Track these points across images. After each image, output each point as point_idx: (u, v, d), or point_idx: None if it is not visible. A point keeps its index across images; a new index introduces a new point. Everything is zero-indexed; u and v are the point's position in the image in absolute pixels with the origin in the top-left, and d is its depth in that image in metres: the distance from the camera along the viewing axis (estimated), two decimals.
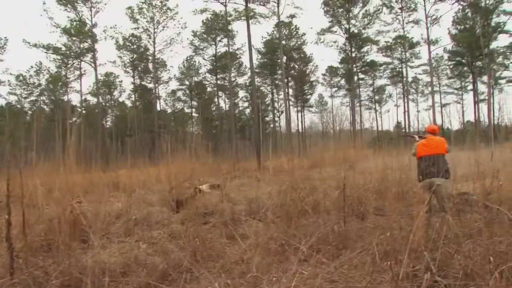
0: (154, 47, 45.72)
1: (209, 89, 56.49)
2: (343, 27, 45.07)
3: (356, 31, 45.11)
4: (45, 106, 54.88)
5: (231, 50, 45.55)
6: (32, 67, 50.98)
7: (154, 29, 44.60)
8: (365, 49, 47.92)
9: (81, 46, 44.18)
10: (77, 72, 48.02)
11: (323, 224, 5.69)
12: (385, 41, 46.31)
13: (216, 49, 49.62)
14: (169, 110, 59.90)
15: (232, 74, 46.90)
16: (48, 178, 6.68)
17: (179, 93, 57.19)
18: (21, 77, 51.17)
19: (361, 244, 5.30)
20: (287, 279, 4.01)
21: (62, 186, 6.72)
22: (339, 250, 5.24)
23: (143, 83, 52.75)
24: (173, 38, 45.12)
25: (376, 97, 54.89)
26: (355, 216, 7.01)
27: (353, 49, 46.90)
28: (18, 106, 53.62)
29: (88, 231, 5.98)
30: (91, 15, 40.96)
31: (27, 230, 5.19)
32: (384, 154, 11.44)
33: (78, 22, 40.58)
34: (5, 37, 45.64)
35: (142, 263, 5.28)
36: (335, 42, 46.93)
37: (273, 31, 47.74)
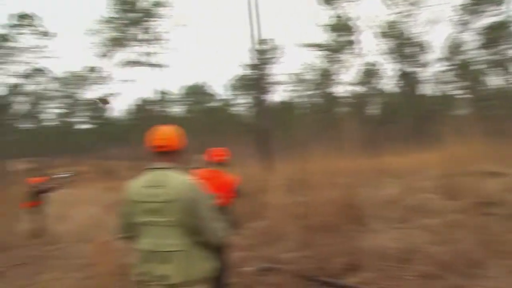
0: (416, 30, 43.43)
1: (477, 66, 49.59)
2: None
3: None
4: (315, 99, 60.64)
5: (503, 19, 38.59)
6: (303, 65, 57.52)
7: (415, 11, 42.37)
8: None
9: (346, 39, 46.58)
10: (343, 65, 50.96)
11: None
12: None
13: (485, 21, 43.06)
14: (434, 94, 55.94)
15: (506, 47, 39.74)
16: (325, 164, 7.20)
17: (445, 75, 52.52)
18: (295, 75, 58.64)
19: None
20: None
21: (339, 171, 7.17)
22: None
23: (406, 68, 51.12)
24: (436, 17, 41.73)
25: None
26: None
27: None
28: (293, 101, 61.47)
29: (364, 215, 6.16)
30: (353, 9, 42.42)
31: (312, 210, 5.76)
32: None
33: (341, 18, 42.84)
34: (283, 42, 52.66)
35: (422, 251, 5.06)
36: None
37: None
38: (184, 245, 1.98)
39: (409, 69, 51.00)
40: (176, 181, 2.03)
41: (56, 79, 55.08)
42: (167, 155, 2.12)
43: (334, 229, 5.70)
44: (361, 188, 6.88)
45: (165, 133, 2.15)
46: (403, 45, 47.77)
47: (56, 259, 6.90)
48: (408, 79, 51.65)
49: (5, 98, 49.39)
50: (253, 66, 49.84)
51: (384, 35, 47.27)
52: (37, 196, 9.82)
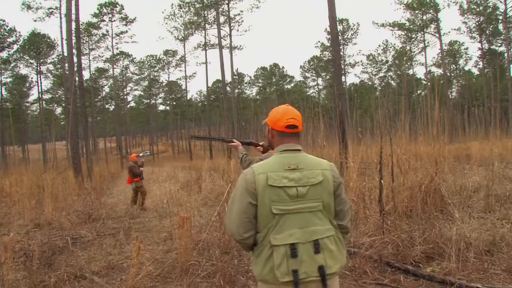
0: (506, 4, 39.61)
1: None
2: None
3: None
4: (392, 81, 58.27)
5: None
6: (379, 45, 55.19)
7: None
8: None
9: (424, 18, 43.81)
10: (421, 45, 48.18)
11: None
12: None
13: None
14: None
15: None
16: (405, 148, 6.97)
17: None
18: (371, 57, 56.59)
19: None
20: None
21: (420, 156, 6.91)
22: None
23: (492, 47, 47.04)
24: None
25: None
26: None
27: None
28: (369, 83, 59.53)
29: (447, 202, 5.91)
30: None
31: (392, 195, 5.64)
32: None
33: None
34: (357, 22, 50.87)
35: (509, 244, 4.77)
36: None
37: None
38: (331, 230, 1.85)
39: (495, 48, 46.81)
40: (316, 162, 1.91)
41: (136, 62, 58.13)
42: (297, 136, 1.98)
43: (414, 215, 5.55)
44: (444, 174, 6.59)
45: (296, 114, 1.99)
46: (489, 21, 43.80)
47: (140, 231, 7.45)
48: (494, 60, 47.56)
49: (93, 81, 53.23)
50: (329, 47, 48.96)
51: (467, 11, 43.63)
52: (138, 171, 10.54)
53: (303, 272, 1.74)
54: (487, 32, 45.48)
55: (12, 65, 46.93)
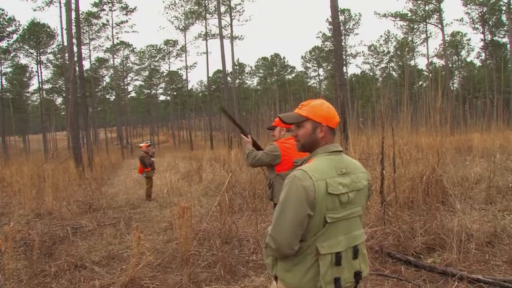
0: None
1: None
2: None
3: None
4: (393, 72, 58.03)
5: None
6: (381, 36, 54.87)
7: None
8: None
9: (426, 8, 43.48)
10: (423, 36, 47.88)
11: None
12: None
13: None
14: None
15: None
16: (406, 138, 6.93)
17: None
18: (372, 47, 56.33)
19: None
20: None
21: (421, 147, 6.88)
22: None
23: (494, 38, 46.72)
24: None
25: None
26: None
27: None
28: (371, 73, 59.30)
29: (448, 194, 5.90)
30: None
31: (393, 185, 5.62)
32: None
33: None
34: (359, 13, 50.59)
35: (511, 235, 4.76)
36: None
37: None
38: (364, 234, 1.81)
39: (498, 40, 46.49)
40: (356, 165, 1.82)
41: (137, 52, 57.87)
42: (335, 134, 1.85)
43: (416, 206, 5.53)
44: (445, 165, 6.56)
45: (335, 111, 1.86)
46: (492, 12, 43.43)
47: (140, 221, 7.45)
48: (496, 51, 47.29)
49: (93, 71, 53.03)
50: (330, 37, 48.67)
51: (470, 2, 43.24)
52: (149, 161, 10.51)
53: (343, 279, 1.67)
54: (490, 23, 45.15)
55: (12, 54, 46.77)
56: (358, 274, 1.71)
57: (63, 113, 61.68)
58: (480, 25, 45.53)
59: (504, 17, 42.92)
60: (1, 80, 47.62)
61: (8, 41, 44.38)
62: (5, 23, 42.46)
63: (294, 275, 1.68)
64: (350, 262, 1.70)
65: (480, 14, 44.30)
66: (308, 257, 1.66)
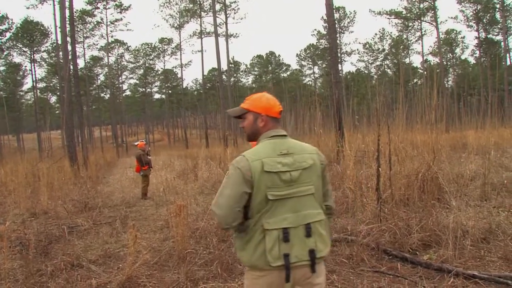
0: None
1: None
2: None
3: None
4: (388, 70, 58.19)
5: None
6: (376, 34, 54.94)
7: None
8: None
9: (421, 6, 43.60)
10: (418, 33, 48.02)
11: None
12: None
13: None
14: None
15: None
16: (402, 136, 6.95)
17: None
18: (367, 45, 56.45)
19: None
20: None
21: (416, 144, 6.91)
22: None
23: (489, 36, 46.93)
24: None
25: None
26: None
27: None
28: (366, 71, 59.44)
29: (444, 191, 5.93)
30: None
31: (389, 183, 5.64)
32: None
33: None
34: (354, 11, 50.62)
35: (505, 232, 4.80)
36: None
37: None
38: (322, 214, 1.87)
39: (492, 37, 46.69)
40: (303, 147, 1.94)
41: (132, 50, 57.59)
42: (280, 122, 2.02)
43: (411, 203, 5.56)
44: (440, 162, 6.60)
45: (278, 101, 2.03)
46: (486, 10, 43.61)
47: (136, 220, 7.43)
48: (490, 49, 47.51)
49: (88, 70, 52.70)
50: (325, 35, 48.69)
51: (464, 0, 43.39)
52: (147, 159, 10.45)
53: (294, 256, 1.75)
54: (484, 20, 45.34)
55: (5, 53, 46.38)
56: (312, 251, 1.77)
57: (57, 111, 61.38)
58: (474, 23, 45.72)
59: (498, 15, 43.18)
60: None
61: (1, 39, 44.04)
62: None
63: (247, 252, 1.81)
64: (302, 239, 1.78)
65: (474, 12, 44.48)
66: (256, 234, 1.78)
